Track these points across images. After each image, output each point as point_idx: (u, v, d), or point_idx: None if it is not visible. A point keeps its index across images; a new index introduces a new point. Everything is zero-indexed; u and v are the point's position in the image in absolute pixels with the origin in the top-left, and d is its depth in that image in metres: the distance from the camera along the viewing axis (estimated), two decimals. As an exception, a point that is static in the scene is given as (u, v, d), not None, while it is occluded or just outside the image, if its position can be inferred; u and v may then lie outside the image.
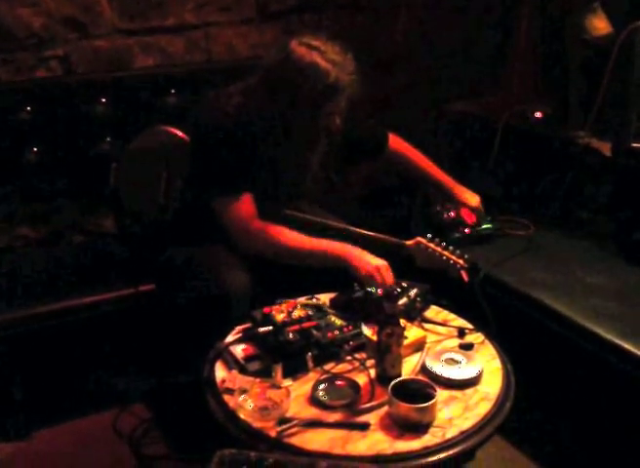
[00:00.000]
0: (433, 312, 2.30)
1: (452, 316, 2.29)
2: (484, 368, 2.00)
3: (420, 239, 2.37)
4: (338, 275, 2.30)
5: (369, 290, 2.21)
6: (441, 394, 1.86)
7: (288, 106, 2.24)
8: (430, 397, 1.79)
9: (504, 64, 3.46)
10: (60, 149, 2.89)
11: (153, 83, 3.03)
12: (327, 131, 2.35)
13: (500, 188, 3.19)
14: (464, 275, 2.29)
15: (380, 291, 2.17)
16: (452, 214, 2.85)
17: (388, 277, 2.24)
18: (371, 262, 2.26)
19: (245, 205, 2.33)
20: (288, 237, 2.34)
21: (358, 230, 2.44)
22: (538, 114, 3.17)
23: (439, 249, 2.34)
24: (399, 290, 2.24)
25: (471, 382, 1.95)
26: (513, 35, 3.38)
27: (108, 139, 2.96)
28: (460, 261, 2.31)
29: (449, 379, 1.94)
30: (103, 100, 2.92)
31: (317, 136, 2.35)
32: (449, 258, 2.31)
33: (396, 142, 2.78)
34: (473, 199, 2.80)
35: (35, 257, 2.82)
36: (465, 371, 1.97)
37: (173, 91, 3.03)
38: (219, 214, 2.34)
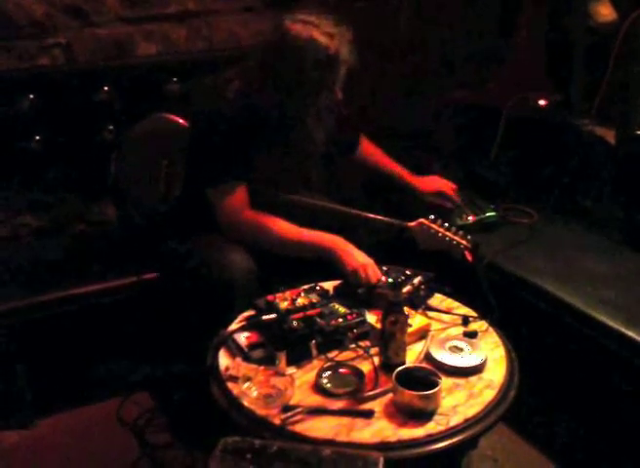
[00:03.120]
0: (437, 300, 2.30)
1: (456, 304, 2.29)
2: (488, 355, 2.00)
3: (422, 220, 2.36)
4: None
5: (358, 291, 2.21)
6: (445, 382, 1.85)
7: (294, 86, 2.23)
8: (434, 384, 1.79)
9: (508, 52, 3.43)
10: (63, 138, 2.88)
11: (155, 71, 3.02)
12: (331, 106, 2.34)
13: (504, 176, 3.16)
14: (468, 255, 2.30)
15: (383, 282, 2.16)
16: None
17: (373, 275, 2.23)
18: (358, 259, 2.26)
19: (238, 195, 2.33)
20: (278, 227, 2.34)
21: (360, 212, 2.44)
22: (541, 102, 3.14)
23: (442, 229, 2.34)
24: (403, 277, 2.24)
25: (475, 370, 1.95)
26: (516, 22, 3.36)
27: (111, 128, 2.95)
28: (464, 242, 2.31)
29: (453, 367, 1.95)
30: (106, 89, 2.91)
31: (320, 113, 2.33)
32: (452, 239, 2.32)
33: (366, 145, 2.79)
34: (433, 184, 2.79)
35: (38, 246, 2.83)
36: (469, 359, 1.97)
37: (175, 79, 3.01)
38: (212, 202, 2.35)
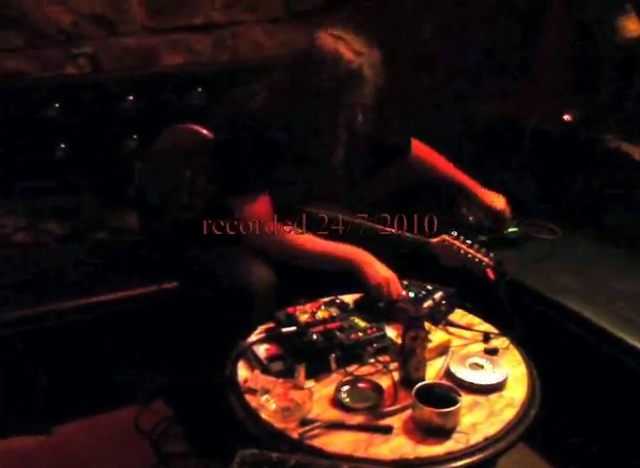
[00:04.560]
0: (458, 316, 2.27)
1: (477, 320, 2.26)
2: (509, 373, 1.97)
3: (444, 236, 2.35)
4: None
5: (379, 305, 2.20)
6: (465, 399, 1.83)
7: (309, 96, 2.22)
8: (454, 402, 1.76)
9: (533, 65, 3.41)
10: (87, 146, 2.91)
11: (180, 81, 3.04)
12: (349, 125, 2.31)
13: (527, 191, 3.13)
14: (490, 273, 2.28)
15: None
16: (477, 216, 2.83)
17: (395, 290, 2.21)
18: (380, 273, 2.24)
19: (261, 205, 2.32)
20: (302, 239, 2.33)
21: (382, 226, 2.43)
22: (567, 116, 3.12)
23: (464, 246, 2.32)
24: (424, 292, 2.23)
25: (496, 388, 1.93)
26: (542, 36, 3.33)
27: (135, 137, 2.97)
28: (486, 259, 2.29)
29: (473, 384, 1.92)
30: (131, 98, 2.92)
31: (337, 130, 2.31)
32: (474, 256, 2.30)
33: (419, 148, 2.76)
34: (498, 201, 2.75)
35: (60, 253, 2.82)
36: (490, 377, 1.94)
37: (199, 89, 3.02)
38: (235, 213, 2.34)
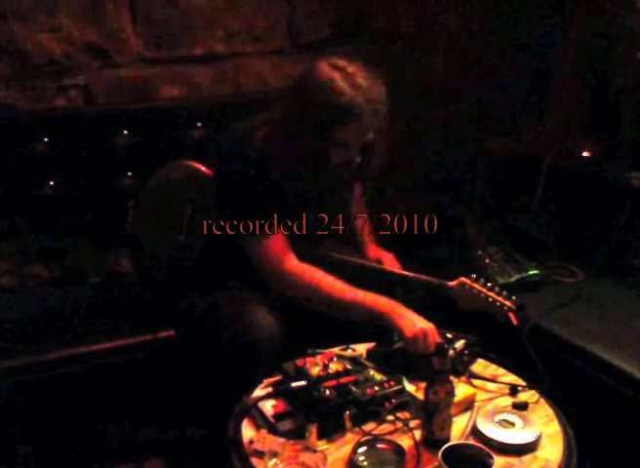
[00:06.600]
0: (480, 366, 2.13)
1: (501, 371, 2.12)
2: (542, 431, 1.81)
3: (463, 279, 2.24)
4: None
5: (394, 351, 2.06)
6: (496, 461, 1.66)
7: (299, 128, 2.08)
8: (487, 465, 1.62)
9: (549, 99, 3.32)
10: (78, 183, 2.79)
11: (178, 115, 2.93)
12: (343, 165, 2.17)
13: (545, 232, 3.03)
14: (513, 318, 2.15)
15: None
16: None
17: (434, 341, 2.03)
18: (417, 324, 2.06)
19: (277, 242, 2.18)
20: (327, 282, 2.17)
21: (397, 270, 2.34)
22: (585, 152, 3.01)
23: (484, 289, 2.21)
24: (445, 341, 2.08)
25: (529, 448, 1.77)
26: (557, 68, 3.25)
27: (130, 174, 2.86)
28: (508, 303, 2.17)
29: (504, 444, 1.77)
30: (125, 133, 2.82)
31: (328, 168, 2.15)
32: (495, 299, 2.17)
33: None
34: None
35: (47, 299, 2.69)
36: (522, 435, 1.79)
37: (199, 124, 2.92)
38: (249, 253, 2.20)
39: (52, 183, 2.75)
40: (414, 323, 2.06)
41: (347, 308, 2.14)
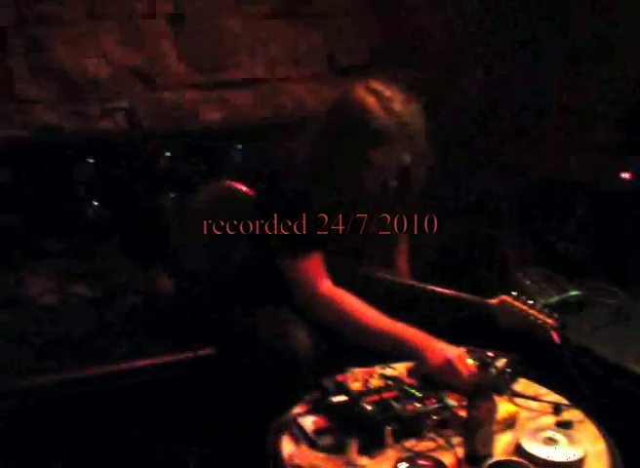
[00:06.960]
0: (522, 385, 2.09)
1: (543, 390, 2.08)
2: (588, 449, 1.77)
3: (505, 297, 2.21)
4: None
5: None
6: (541, 478, 1.64)
7: (335, 150, 2.11)
8: (531, 482, 1.58)
9: (587, 122, 3.30)
10: (121, 205, 2.85)
11: (219, 137, 2.99)
12: (379, 188, 2.17)
13: (584, 253, 2.99)
14: (555, 336, 2.11)
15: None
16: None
17: (464, 369, 1.99)
18: (442, 354, 2.01)
19: (313, 264, 2.18)
20: (358, 309, 2.15)
21: (437, 289, 2.30)
22: (625, 174, 2.97)
23: (526, 307, 2.18)
24: (485, 360, 2.05)
25: (575, 465, 1.73)
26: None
27: (171, 196, 2.90)
28: (550, 321, 2.13)
29: (549, 461, 1.72)
30: (168, 155, 2.87)
31: (363, 191, 2.17)
32: (537, 317, 2.14)
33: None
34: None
35: (89, 317, 2.70)
36: (567, 453, 1.74)
37: (239, 146, 2.95)
38: (284, 273, 2.21)
39: (95, 204, 2.79)
40: (438, 354, 2.02)
41: (374, 337, 2.12)
